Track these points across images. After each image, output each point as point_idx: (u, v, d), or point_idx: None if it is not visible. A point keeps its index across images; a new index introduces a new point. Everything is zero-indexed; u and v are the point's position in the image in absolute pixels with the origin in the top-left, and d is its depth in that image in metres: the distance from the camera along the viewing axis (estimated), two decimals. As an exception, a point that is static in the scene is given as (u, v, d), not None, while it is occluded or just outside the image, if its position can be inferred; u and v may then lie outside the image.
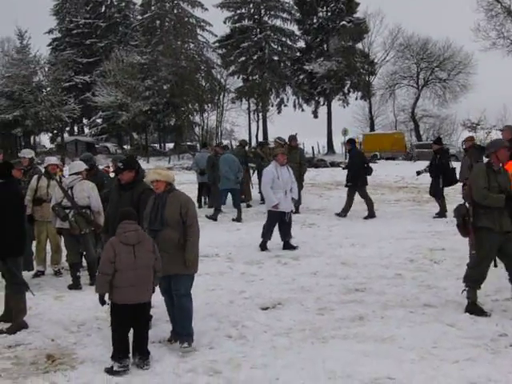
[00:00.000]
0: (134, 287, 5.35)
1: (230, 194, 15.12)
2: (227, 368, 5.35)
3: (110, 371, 5.30)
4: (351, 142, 15.67)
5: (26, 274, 7.98)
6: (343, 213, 14.44)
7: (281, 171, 10.64)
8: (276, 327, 6.44)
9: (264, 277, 8.78)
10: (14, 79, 54.94)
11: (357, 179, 14.26)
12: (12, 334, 6.40)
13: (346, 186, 14.64)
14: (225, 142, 50.71)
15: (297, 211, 13.72)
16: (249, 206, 16.50)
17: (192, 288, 7.90)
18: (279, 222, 10.75)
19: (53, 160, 9.66)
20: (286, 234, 10.84)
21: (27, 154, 10.09)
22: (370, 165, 15.11)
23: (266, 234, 10.78)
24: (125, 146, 62.01)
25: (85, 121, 68.64)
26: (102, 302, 5.48)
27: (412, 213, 15.25)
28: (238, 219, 14.39)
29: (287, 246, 10.76)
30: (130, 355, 5.42)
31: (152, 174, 6.04)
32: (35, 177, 9.22)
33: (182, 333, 5.90)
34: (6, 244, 6.46)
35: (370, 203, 14.29)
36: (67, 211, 8.38)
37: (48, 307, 7.41)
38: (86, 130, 69.12)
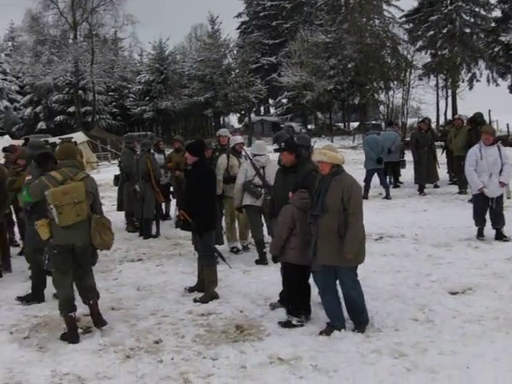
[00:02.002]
0: (307, 250, 5.71)
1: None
2: (413, 351, 5.20)
3: (287, 324, 5.87)
4: None
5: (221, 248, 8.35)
6: None
7: (486, 152, 9.44)
8: (466, 313, 6.12)
9: (453, 260, 8.37)
10: (206, 63, 58.18)
11: None
12: (204, 303, 6.81)
13: None
14: (410, 121, 49.29)
15: None
16: (436, 186, 15.88)
17: (376, 268, 7.89)
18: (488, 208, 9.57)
19: (239, 139, 9.97)
20: (495, 222, 9.60)
21: (224, 132, 10.56)
22: None
23: (476, 220, 9.75)
24: (309, 126, 62.81)
25: (270, 101, 70.64)
26: (275, 261, 6.16)
27: None
28: (387, 196, 14.72)
29: (499, 235, 9.56)
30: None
31: (317, 154, 5.68)
32: (224, 156, 9.56)
33: (355, 321, 5.78)
34: (203, 219, 6.89)
35: None
36: (259, 189, 8.61)
37: (237, 280, 7.74)
38: (272, 110, 71.09)
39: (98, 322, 6.08)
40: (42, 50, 59.73)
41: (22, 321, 6.41)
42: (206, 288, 7.05)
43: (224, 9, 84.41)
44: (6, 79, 65.95)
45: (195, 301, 6.91)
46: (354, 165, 16.81)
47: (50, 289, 7.04)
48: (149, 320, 6.34)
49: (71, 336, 5.81)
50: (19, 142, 20.39)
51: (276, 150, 6.93)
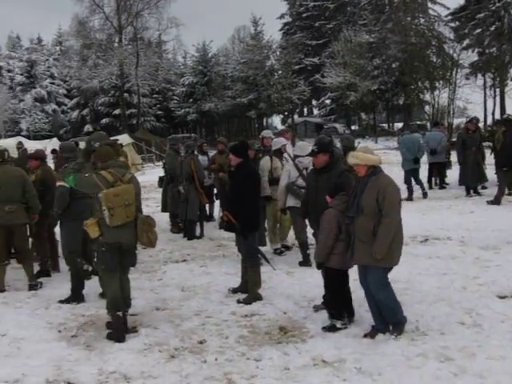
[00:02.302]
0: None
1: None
2: (460, 356, 5.10)
3: (332, 328, 5.82)
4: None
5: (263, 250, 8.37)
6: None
7: None
8: (515, 318, 5.97)
9: (501, 263, 8.17)
10: (249, 64, 58.41)
11: None
12: (248, 305, 6.82)
13: None
14: (457, 121, 48.40)
15: None
16: (484, 187, 15.55)
17: (421, 271, 7.78)
18: None
19: (282, 141, 9.94)
20: None
21: (268, 134, 10.58)
22: None
23: None
24: (353, 127, 62.38)
25: (314, 102, 70.40)
26: (319, 267, 6.01)
27: None
28: (424, 195, 14.68)
29: None
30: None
31: (351, 158, 5.59)
32: (267, 157, 9.56)
33: (389, 322, 5.67)
34: (247, 220, 6.92)
35: None
36: (302, 191, 8.58)
37: (280, 282, 7.74)
38: (315, 111, 70.87)
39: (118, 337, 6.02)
40: (89, 53, 60.91)
41: (69, 319, 6.54)
42: (249, 289, 7.07)
43: (267, 10, 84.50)
44: (53, 83, 67.60)
45: (239, 302, 6.93)
46: (398, 166, 16.57)
47: (94, 289, 7.19)
48: (193, 320, 6.39)
49: (117, 335, 5.90)
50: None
51: (310, 155, 6.81)
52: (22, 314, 6.77)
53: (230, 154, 7.33)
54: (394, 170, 15.64)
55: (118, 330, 5.95)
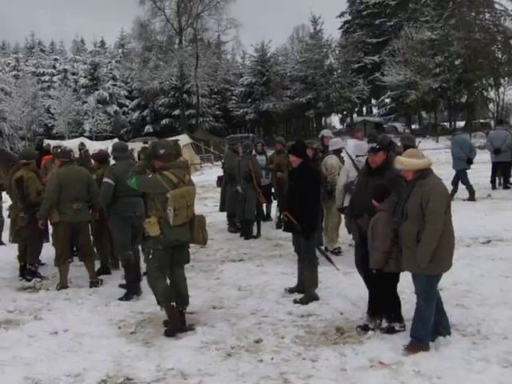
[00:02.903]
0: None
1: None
2: (524, 362, 4.93)
3: (391, 330, 5.73)
4: None
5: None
6: None
7: None
8: None
9: None
10: (308, 64, 58.23)
11: None
12: (304, 305, 6.79)
13: None
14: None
15: None
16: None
17: (483, 273, 7.56)
18: None
19: (341, 142, 9.82)
20: None
21: (328, 133, 10.51)
22: None
23: None
24: (413, 126, 61.32)
25: (373, 101, 69.58)
26: (374, 273, 5.75)
27: None
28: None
29: None
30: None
31: (396, 163, 5.45)
32: (335, 157, 9.45)
33: (411, 334, 5.39)
34: (309, 220, 6.89)
35: None
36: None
37: (337, 282, 7.66)
38: (375, 110, 70.06)
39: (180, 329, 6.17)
40: (150, 55, 62.07)
41: (129, 316, 6.66)
42: (306, 289, 7.03)
43: (326, 9, 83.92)
44: (115, 85, 69.18)
45: (295, 302, 6.91)
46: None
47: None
48: (249, 319, 6.41)
49: (174, 326, 6.01)
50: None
51: (370, 152, 6.60)
52: (84, 310, 6.95)
53: (288, 155, 7.28)
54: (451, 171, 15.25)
55: (174, 320, 6.06)
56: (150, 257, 6.11)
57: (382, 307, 5.89)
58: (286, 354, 5.37)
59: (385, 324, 5.88)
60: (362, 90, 57.46)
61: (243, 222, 11.48)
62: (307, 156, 7.24)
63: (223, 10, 59.71)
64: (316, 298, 6.93)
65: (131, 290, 7.45)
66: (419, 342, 5.29)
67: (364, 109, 73.25)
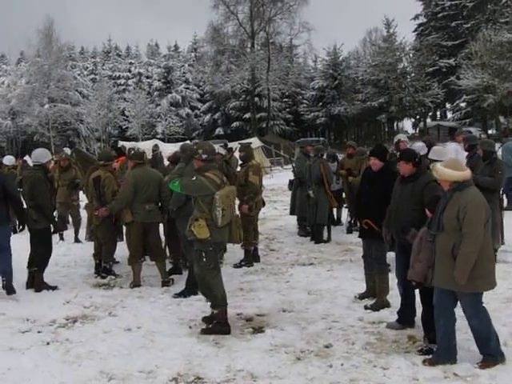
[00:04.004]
0: None
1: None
2: None
3: (429, 351, 5.39)
4: None
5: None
6: None
7: None
8: None
9: None
10: (380, 67, 57.39)
11: None
12: (376, 311, 6.70)
13: None
14: None
15: None
16: None
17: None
18: None
19: (423, 146, 9.62)
20: None
21: (404, 137, 10.36)
22: None
23: None
24: (490, 131, 59.43)
25: (448, 105, 67.82)
26: (418, 287, 5.53)
27: None
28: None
29: None
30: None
31: (433, 171, 5.27)
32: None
33: (481, 353, 5.17)
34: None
35: None
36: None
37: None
38: (449, 115, 68.25)
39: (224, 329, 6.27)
40: (222, 59, 62.78)
41: (199, 316, 6.73)
42: (377, 296, 6.93)
43: (400, 11, 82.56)
44: (188, 88, 70.32)
45: (366, 308, 6.83)
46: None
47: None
48: (319, 324, 6.37)
49: (225, 328, 6.18)
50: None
51: (398, 160, 6.34)
52: (156, 309, 7.10)
53: (371, 159, 7.03)
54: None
55: (226, 323, 6.22)
56: (204, 259, 6.16)
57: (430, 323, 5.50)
58: (357, 361, 5.32)
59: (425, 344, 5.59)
60: (437, 93, 56.10)
61: (314, 226, 11.43)
62: (387, 160, 7.02)
63: (296, 14, 59.69)
64: (387, 305, 6.82)
65: (190, 291, 7.55)
66: (492, 357, 5.11)
67: (438, 113, 71.54)
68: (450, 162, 5.27)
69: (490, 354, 5.11)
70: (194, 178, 6.19)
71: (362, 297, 7.20)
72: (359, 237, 7.32)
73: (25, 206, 8.15)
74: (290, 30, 61.12)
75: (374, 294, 7.05)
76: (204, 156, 6.24)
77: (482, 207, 4.95)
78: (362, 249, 7.33)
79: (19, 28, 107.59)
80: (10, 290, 7.89)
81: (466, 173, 5.07)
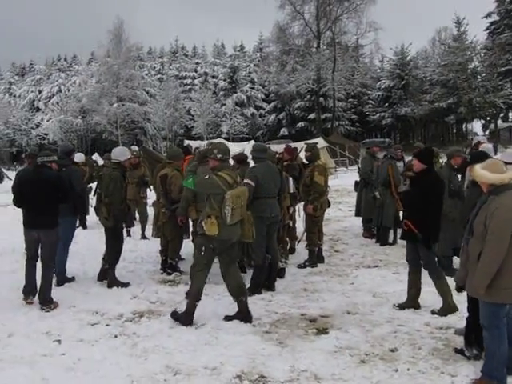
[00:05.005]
0: None
1: None
2: None
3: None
4: None
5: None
6: None
7: None
8: None
9: None
10: (450, 67, 56.11)
11: None
12: (443, 317, 6.54)
13: None
14: None
15: None
16: None
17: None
18: None
19: (490, 147, 9.38)
20: None
21: (484, 139, 10.14)
22: None
23: None
24: None
25: (520, 106, 65.62)
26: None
27: None
28: None
29: None
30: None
31: (471, 172, 5.05)
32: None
33: (481, 368, 4.90)
34: (431, 230, 6.62)
35: None
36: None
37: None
38: (522, 116, 66.02)
39: (246, 318, 6.52)
40: (287, 59, 62.86)
41: (263, 315, 6.77)
42: (442, 300, 6.75)
43: (471, 10, 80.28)
44: (253, 88, 70.76)
45: (433, 313, 6.68)
46: None
47: (285, 286, 7.35)
48: (384, 327, 6.28)
49: (186, 320, 6.44)
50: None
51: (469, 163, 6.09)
52: (220, 306, 7.14)
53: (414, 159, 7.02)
54: None
55: (190, 316, 6.49)
56: (202, 253, 6.40)
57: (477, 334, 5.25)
58: (423, 366, 5.21)
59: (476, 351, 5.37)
60: (509, 94, 54.36)
61: (380, 228, 11.28)
62: (432, 164, 6.95)
63: (363, 13, 59.11)
64: (455, 310, 6.64)
65: (254, 290, 7.59)
66: (488, 378, 4.80)
67: (510, 114, 69.29)
68: (488, 163, 4.98)
69: (488, 374, 4.82)
70: (207, 177, 6.39)
71: (401, 306, 6.97)
72: (400, 238, 7.25)
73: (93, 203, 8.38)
74: (356, 29, 60.67)
75: (415, 305, 6.89)
76: (219, 156, 6.42)
77: (510, 215, 4.62)
78: (406, 253, 7.15)
79: (90, 29, 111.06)
80: (60, 281, 8.23)
81: (505, 176, 4.77)
